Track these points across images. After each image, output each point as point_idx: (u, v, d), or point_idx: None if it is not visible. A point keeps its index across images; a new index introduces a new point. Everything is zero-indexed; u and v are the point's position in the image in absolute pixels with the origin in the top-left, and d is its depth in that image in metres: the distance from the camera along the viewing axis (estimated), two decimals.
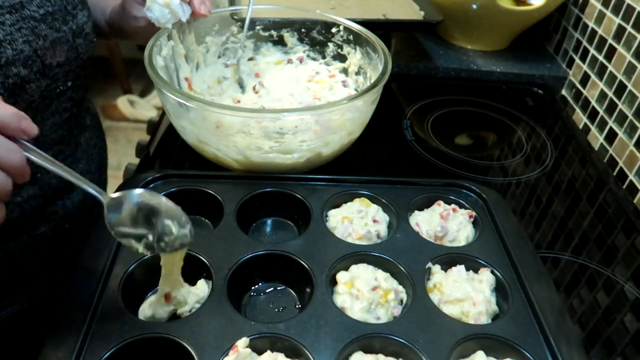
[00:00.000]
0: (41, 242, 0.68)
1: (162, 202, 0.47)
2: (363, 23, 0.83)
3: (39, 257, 0.68)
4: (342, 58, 0.88)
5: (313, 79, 0.88)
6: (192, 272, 0.54)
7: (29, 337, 0.64)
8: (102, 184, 0.82)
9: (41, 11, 0.56)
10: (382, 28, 1.03)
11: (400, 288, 0.56)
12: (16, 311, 0.69)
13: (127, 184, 0.64)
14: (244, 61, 0.89)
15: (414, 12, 1.03)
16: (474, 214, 0.65)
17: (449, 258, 0.59)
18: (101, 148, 0.80)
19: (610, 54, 0.93)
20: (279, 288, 0.58)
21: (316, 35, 0.89)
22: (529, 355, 0.49)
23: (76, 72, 0.64)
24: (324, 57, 0.90)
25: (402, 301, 0.55)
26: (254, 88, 0.84)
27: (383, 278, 0.55)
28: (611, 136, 0.90)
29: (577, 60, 1.05)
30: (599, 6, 0.98)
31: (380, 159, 0.86)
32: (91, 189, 0.46)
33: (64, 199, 0.69)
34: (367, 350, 0.49)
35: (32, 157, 0.42)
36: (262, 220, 0.66)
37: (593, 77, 0.99)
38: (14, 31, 0.53)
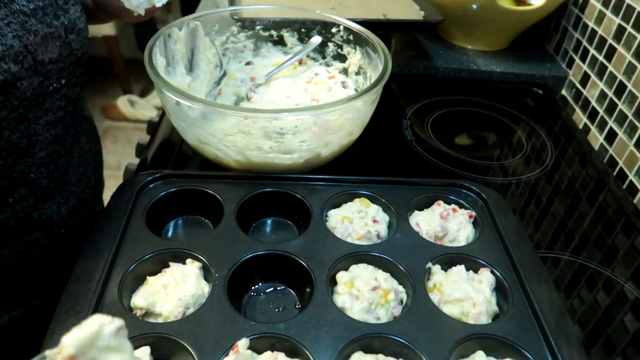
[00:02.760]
0: (36, 247, 0.67)
1: None
2: (363, 23, 0.83)
3: (34, 263, 0.67)
4: (342, 58, 0.88)
5: (312, 80, 0.87)
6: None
7: (26, 344, 0.63)
8: (98, 188, 0.81)
9: (31, 5, 0.55)
10: (382, 28, 1.03)
11: (400, 288, 0.56)
12: (13, 319, 0.68)
13: (127, 184, 0.64)
14: (241, 66, 0.90)
15: (414, 12, 1.03)
16: (474, 214, 0.65)
17: (449, 258, 0.59)
18: (96, 152, 0.79)
19: (610, 54, 0.93)
20: (279, 288, 0.58)
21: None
22: (529, 355, 0.49)
23: (70, 69, 0.62)
24: (323, 57, 0.90)
25: (402, 301, 0.55)
26: (246, 96, 0.83)
27: (383, 278, 0.55)
28: (611, 136, 0.90)
29: (577, 60, 1.05)
30: (599, 6, 0.98)
31: (380, 159, 0.86)
32: None
33: (56, 200, 0.67)
34: (367, 350, 0.49)
35: None
36: (262, 220, 0.66)
37: (593, 77, 0.99)
38: (2, 26, 0.52)
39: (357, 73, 0.86)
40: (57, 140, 0.65)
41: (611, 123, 0.91)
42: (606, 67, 0.94)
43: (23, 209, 0.63)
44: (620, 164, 0.87)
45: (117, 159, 2.33)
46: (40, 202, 0.65)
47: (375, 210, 0.64)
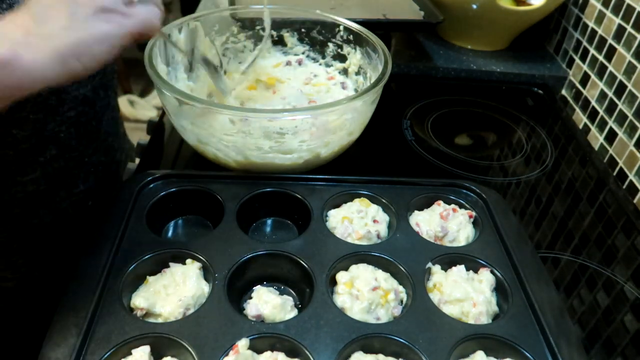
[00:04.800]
0: (63, 219, 0.68)
1: None
2: (363, 23, 0.83)
3: (61, 234, 0.69)
4: (342, 58, 0.88)
5: (310, 82, 0.87)
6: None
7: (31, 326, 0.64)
8: (120, 166, 0.82)
9: None
10: (382, 28, 1.03)
11: (400, 288, 0.56)
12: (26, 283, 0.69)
13: (127, 184, 0.64)
14: (242, 67, 0.89)
15: (414, 12, 1.03)
16: (474, 214, 0.65)
17: (449, 258, 0.59)
18: (121, 133, 0.81)
19: (610, 54, 0.93)
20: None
21: (316, 35, 0.89)
22: (529, 355, 0.49)
23: None
24: (323, 57, 0.90)
25: (402, 301, 0.55)
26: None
27: (383, 278, 0.55)
28: (611, 136, 0.90)
29: (577, 60, 1.05)
30: (599, 6, 0.98)
31: (380, 159, 0.86)
32: None
33: (85, 168, 0.69)
34: (367, 351, 0.49)
35: None
36: (262, 220, 0.66)
37: (593, 77, 0.99)
38: None
39: (357, 73, 0.86)
40: (86, 101, 0.67)
41: (611, 123, 0.91)
42: (606, 67, 0.94)
43: (54, 171, 0.64)
44: (620, 164, 0.87)
45: None
46: (69, 166, 0.66)
47: (375, 210, 0.64)
